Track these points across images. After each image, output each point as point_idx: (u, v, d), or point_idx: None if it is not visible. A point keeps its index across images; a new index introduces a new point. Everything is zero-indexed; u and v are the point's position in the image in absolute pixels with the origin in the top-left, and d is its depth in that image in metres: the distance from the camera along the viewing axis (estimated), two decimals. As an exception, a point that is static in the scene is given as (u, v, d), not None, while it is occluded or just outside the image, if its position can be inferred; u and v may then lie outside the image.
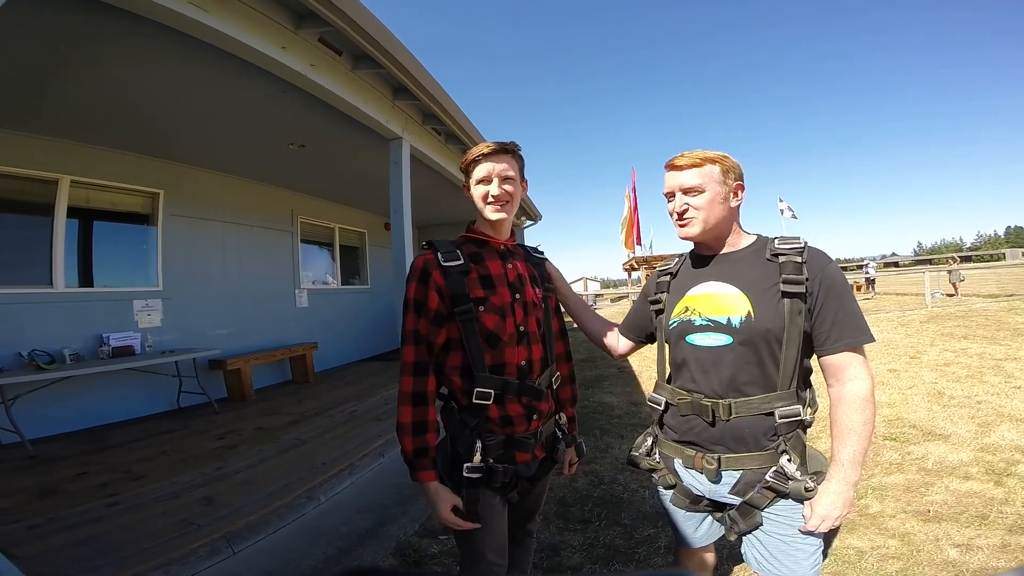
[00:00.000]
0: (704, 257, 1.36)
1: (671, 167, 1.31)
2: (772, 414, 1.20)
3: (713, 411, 1.23)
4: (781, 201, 18.35)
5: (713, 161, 1.26)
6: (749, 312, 1.21)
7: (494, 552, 1.39)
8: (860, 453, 1.15)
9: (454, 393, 1.35)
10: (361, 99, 3.87)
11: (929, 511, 2.45)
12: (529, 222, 10.93)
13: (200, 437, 4.02)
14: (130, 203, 5.18)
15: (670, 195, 1.33)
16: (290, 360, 6.54)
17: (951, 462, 3.00)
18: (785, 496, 1.20)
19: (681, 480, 1.36)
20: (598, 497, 2.86)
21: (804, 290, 1.18)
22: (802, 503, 1.18)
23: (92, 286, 4.82)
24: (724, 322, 1.24)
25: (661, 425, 1.41)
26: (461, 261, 1.31)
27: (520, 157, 1.41)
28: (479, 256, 1.36)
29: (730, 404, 1.22)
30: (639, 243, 19.40)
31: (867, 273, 17.85)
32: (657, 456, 1.43)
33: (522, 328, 1.35)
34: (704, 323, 1.27)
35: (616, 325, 1.65)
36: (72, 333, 4.42)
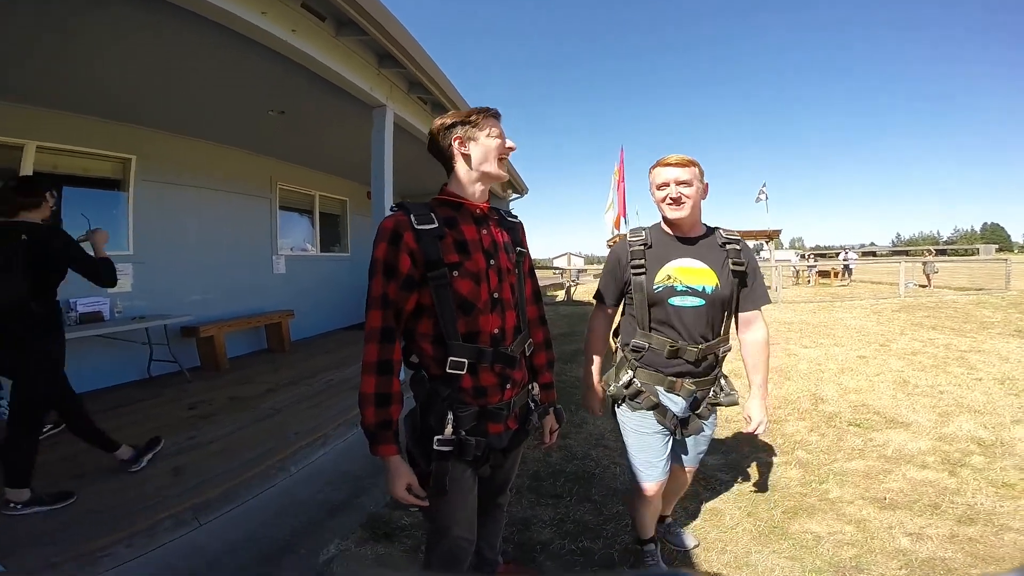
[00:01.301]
0: (679, 238, 1.74)
1: (666, 164, 1.67)
2: (717, 353, 1.75)
3: (697, 355, 1.69)
4: (764, 187, 18.77)
5: (695, 164, 1.67)
6: (716, 283, 1.67)
7: (461, 527, 1.38)
8: (766, 377, 1.82)
9: (425, 362, 1.30)
10: (345, 66, 3.74)
11: (885, 498, 2.51)
12: (515, 195, 10.84)
13: (172, 406, 3.97)
14: (101, 168, 4.98)
15: (664, 185, 1.67)
16: (266, 328, 6.46)
17: (910, 450, 3.08)
18: (718, 406, 1.80)
19: (659, 404, 1.76)
20: (570, 472, 2.89)
21: (744, 270, 1.71)
22: (713, 414, 1.83)
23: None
24: (699, 289, 1.67)
25: (639, 363, 1.79)
26: (435, 224, 1.25)
27: None
28: (454, 220, 1.30)
29: (703, 348, 1.69)
30: (625, 219, 19.46)
31: (845, 261, 18.21)
32: (639, 384, 1.78)
33: (496, 295, 1.32)
34: (684, 289, 1.68)
35: (598, 340, 1.95)
36: (37, 297, 4.28)
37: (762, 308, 1.79)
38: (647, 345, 1.74)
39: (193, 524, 2.13)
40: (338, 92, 4.05)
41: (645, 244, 1.76)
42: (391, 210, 1.28)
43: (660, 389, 1.76)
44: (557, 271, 18.76)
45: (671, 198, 1.65)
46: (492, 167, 1.33)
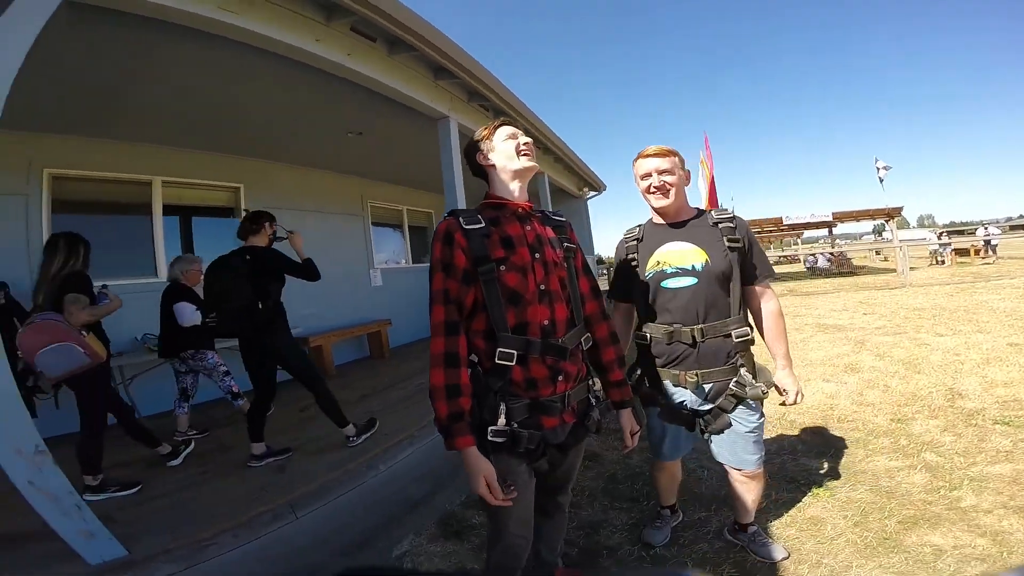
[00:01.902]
0: (666, 225, 1.81)
1: (647, 156, 1.77)
2: (730, 335, 1.70)
3: (693, 335, 1.70)
4: (877, 161, 16.84)
5: (674, 153, 1.77)
6: (706, 260, 1.70)
7: (517, 524, 1.39)
8: (788, 347, 1.81)
9: (479, 356, 1.34)
10: (402, 82, 3.92)
11: None
12: (592, 193, 10.62)
13: (286, 410, 4.37)
14: (216, 198, 5.70)
15: (647, 175, 1.76)
16: (367, 336, 6.95)
17: None
18: (743, 400, 1.71)
19: (668, 398, 1.82)
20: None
21: (741, 245, 1.72)
22: (752, 407, 1.74)
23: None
24: (689, 268, 1.71)
25: (647, 356, 1.85)
26: (482, 224, 1.34)
27: None
28: (498, 219, 1.38)
29: (703, 328, 1.70)
30: (715, 206, 18.49)
31: (986, 236, 15.69)
32: (646, 382, 1.87)
33: (543, 287, 1.34)
34: (674, 271, 1.73)
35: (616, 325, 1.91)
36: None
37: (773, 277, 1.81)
38: (649, 335, 1.81)
39: (289, 518, 2.34)
40: (402, 108, 4.26)
41: (637, 239, 1.87)
42: (443, 217, 1.40)
43: (668, 382, 1.81)
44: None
45: (654, 187, 1.74)
46: (516, 163, 1.42)
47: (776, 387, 1.79)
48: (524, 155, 1.43)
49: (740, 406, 1.73)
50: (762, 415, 1.80)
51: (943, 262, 15.87)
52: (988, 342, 4.99)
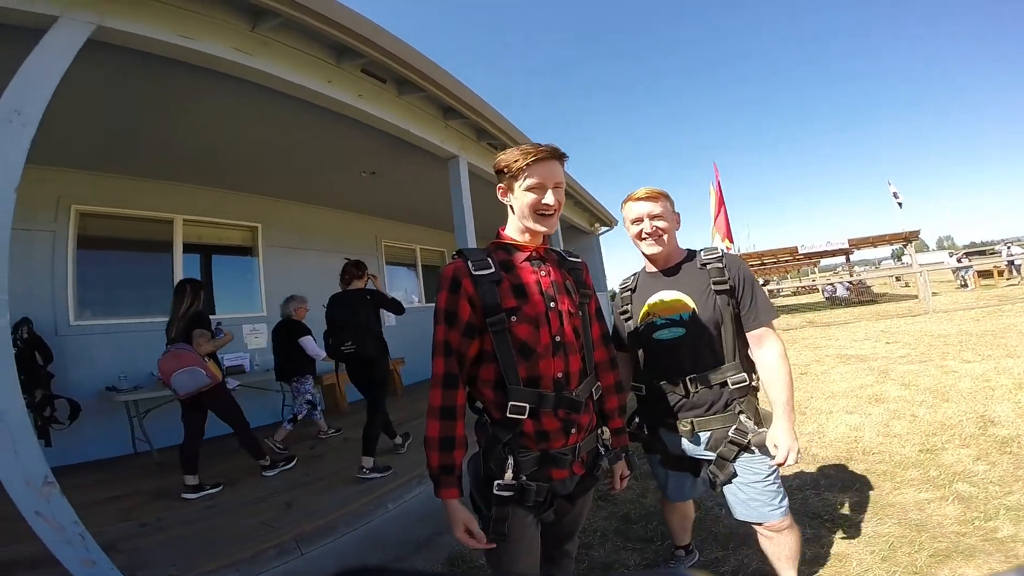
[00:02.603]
0: (658, 273, 1.75)
1: (637, 199, 1.69)
2: (726, 383, 1.61)
3: (685, 386, 1.63)
4: (890, 185, 16.73)
5: (666, 196, 1.70)
6: (693, 309, 1.63)
7: (523, 574, 1.33)
8: (790, 396, 1.56)
9: (487, 407, 1.29)
10: (412, 123, 4.04)
11: None
12: (604, 228, 10.66)
13: (295, 446, 4.38)
14: (234, 237, 5.88)
15: (637, 220, 1.69)
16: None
17: None
18: (746, 448, 1.58)
19: (667, 446, 1.75)
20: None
21: (729, 286, 1.61)
22: (761, 454, 1.59)
23: (214, 312, 5.49)
24: (677, 319, 1.65)
25: (645, 404, 1.79)
26: (492, 270, 1.25)
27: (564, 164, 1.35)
28: (510, 264, 1.29)
29: (694, 378, 1.62)
30: (730, 239, 18.37)
31: (1010, 256, 15.28)
32: (645, 430, 1.81)
33: (558, 338, 1.27)
34: (663, 322, 1.67)
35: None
36: (194, 355, 5.07)
37: (772, 323, 1.64)
38: (643, 386, 1.78)
39: (295, 554, 2.30)
40: (413, 149, 4.37)
41: (631, 289, 1.83)
42: (451, 258, 1.31)
43: (662, 431, 1.75)
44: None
45: (646, 232, 1.67)
46: (530, 223, 1.28)
47: (773, 443, 1.57)
48: (543, 216, 1.28)
49: (745, 453, 1.60)
50: (770, 464, 1.62)
51: (966, 285, 15.40)
52: (1019, 366, 4.80)
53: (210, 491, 3.27)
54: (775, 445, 1.54)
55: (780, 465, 1.53)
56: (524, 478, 1.23)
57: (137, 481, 3.36)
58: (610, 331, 1.60)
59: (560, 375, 1.26)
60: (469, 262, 1.25)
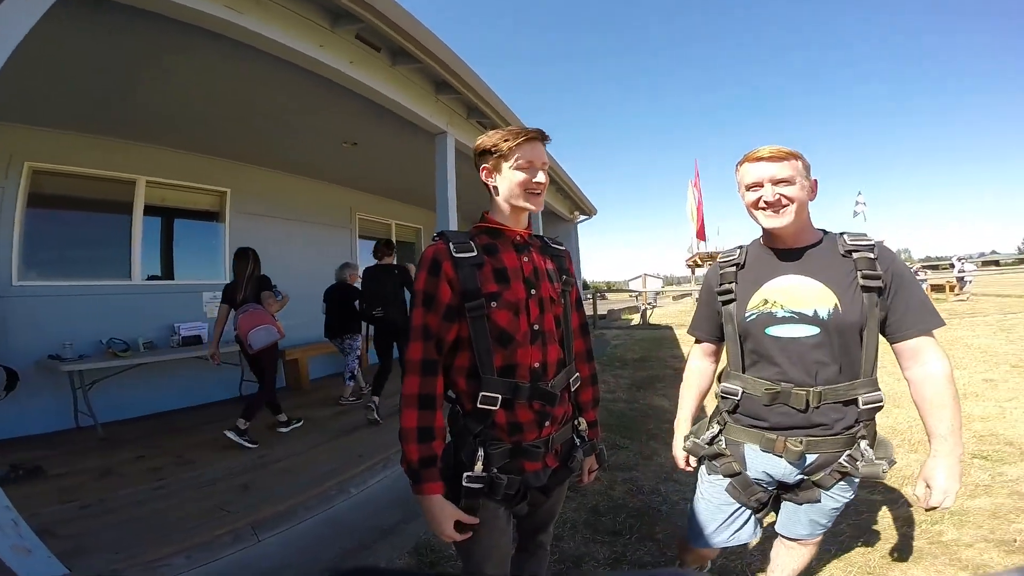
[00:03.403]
0: (778, 250, 1.39)
1: (757, 159, 1.33)
2: (856, 401, 1.29)
3: (807, 399, 1.30)
4: (860, 196, 17.21)
5: (797, 156, 1.32)
6: (836, 305, 1.27)
7: (494, 565, 1.29)
8: (958, 426, 1.23)
9: (459, 396, 1.25)
10: (403, 94, 3.89)
11: (1015, 541, 2.15)
12: (583, 217, 10.69)
13: (253, 424, 4.20)
14: (201, 201, 5.57)
15: (756, 185, 1.33)
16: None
17: None
18: (848, 476, 1.33)
19: (746, 468, 1.44)
20: (634, 508, 2.68)
21: (881, 284, 1.26)
22: (850, 484, 1.37)
23: (172, 279, 5.26)
24: (810, 314, 1.29)
25: (732, 413, 1.46)
26: (474, 253, 1.21)
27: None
28: (493, 248, 1.25)
29: (821, 392, 1.29)
30: (703, 238, 18.66)
31: (961, 272, 15.99)
32: (724, 443, 1.47)
33: (536, 327, 1.23)
34: (788, 315, 1.32)
35: (689, 381, 1.68)
36: (147, 323, 4.82)
37: (933, 332, 1.28)
38: (740, 390, 1.42)
39: (251, 540, 2.20)
40: (401, 121, 4.22)
41: (737, 264, 1.46)
42: (432, 239, 1.26)
43: (755, 448, 1.41)
44: (633, 294, 18.03)
45: (766, 201, 1.31)
46: (519, 201, 1.25)
47: (925, 482, 1.27)
48: (533, 195, 1.25)
49: (843, 482, 1.37)
50: (857, 489, 1.44)
51: None
52: (964, 378, 5.10)
53: (296, 425, 4.04)
54: (927, 485, 1.24)
55: (930, 509, 1.25)
56: (495, 471, 1.19)
57: (79, 459, 3.14)
58: (587, 323, 1.50)
59: (537, 365, 1.23)
60: (451, 244, 1.20)
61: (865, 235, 1.33)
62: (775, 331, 1.33)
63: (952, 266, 17.28)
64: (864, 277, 1.26)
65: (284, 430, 4.00)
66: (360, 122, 4.59)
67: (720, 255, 1.55)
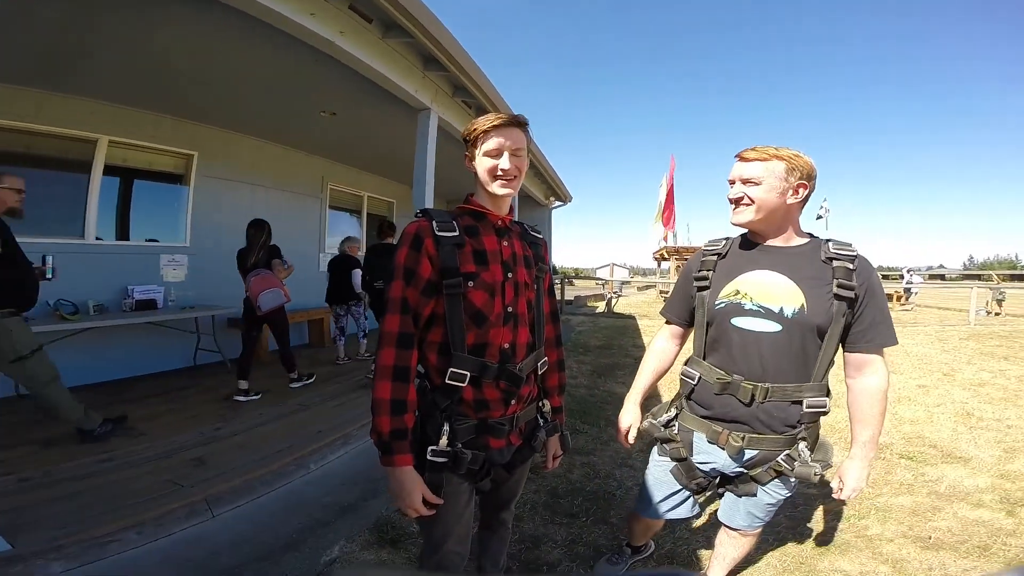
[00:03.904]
0: (758, 245, 1.43)
1: (740, 158, 1.40)
2: (800, 402, 1.35)
3: (752, 393, 1.36)
4: (825, 201, 17.82)
5: (781, 158, 1.33)
6: (803, 305, 1.32)
7: (454, 541, 1.34)
8: (877, 436, 1.38)
9: (429, 371, 1.28)
10: (391, 68, 3.79)
11: (930, 537, 2.33)
12: (558, 202, 10.72)
13: (208, 396, 4.11)
14: (165, 163, 5.31)
15: (732, 182, 1.41)
16: (308, 323, 6.65)
17: (965, 487, 2.84)
18: (783, 475, 1.41)
19: (692, 455, 1.52)
20: (590, 491, 2.78)
21: (854, 295, 1.30)
22: (785, 484, 1.44)
23: (128, 239, 5.00)
24: (776, 310, 1.34)
25: (688, 399, 1.54)
26: (456, 233, 1.23)
27: (528, 131, 1.31)
28: (475, 229, 1.28)
29: (768, 388, 1.35)
30: (672, 229, 18.95)
31: (908, 284, 16.81)
32: (676, 429, 1.55)
33: (510, 309, 1.28)
34: (755, 308, 1.37)
35: (649, 356, 1.74)
36: (99, 284, 4.59)
37: (884, 351, 1.36)
38: (698, 375, 1.49)
39: (206, 515, 2.17)
40: (385, 95, 4.11)
41: (719, 254, 1.51)
42: (415, 216, 1.27)
43: (702, 437, 1.48)
44: (600, 282, 18.22)
45: (731, 199, 1.41)
46: (490, 187, 1.27)
47: (840, 478, 1.43)
48: (499, 180, 1.27)
49: (779, 479, 1.44)
50: (795, 487, 1.51)
51: None
52: (900, 383, 5.40)
53: (254, 397, 4.04)
54: (841, 480, 1.40)
55: (840, 500, 1.43)
56: (459, 446, 1.23)
57: (23, 429, 2.99)
58: (558, 310, 1.54)
59: (507, 346, 1.27)
60: (434, 222, 1.22)
61: (849, 245, 1.37)
62: (740, 322, 1.38)
63: (902, 277, 18.06)
64: (839, 286, 1.30)
65: (295, 385, 4.49)
66: (342, 93, 4.44)
67: (706, 243, 1.60)
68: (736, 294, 1.41)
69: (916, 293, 16.71)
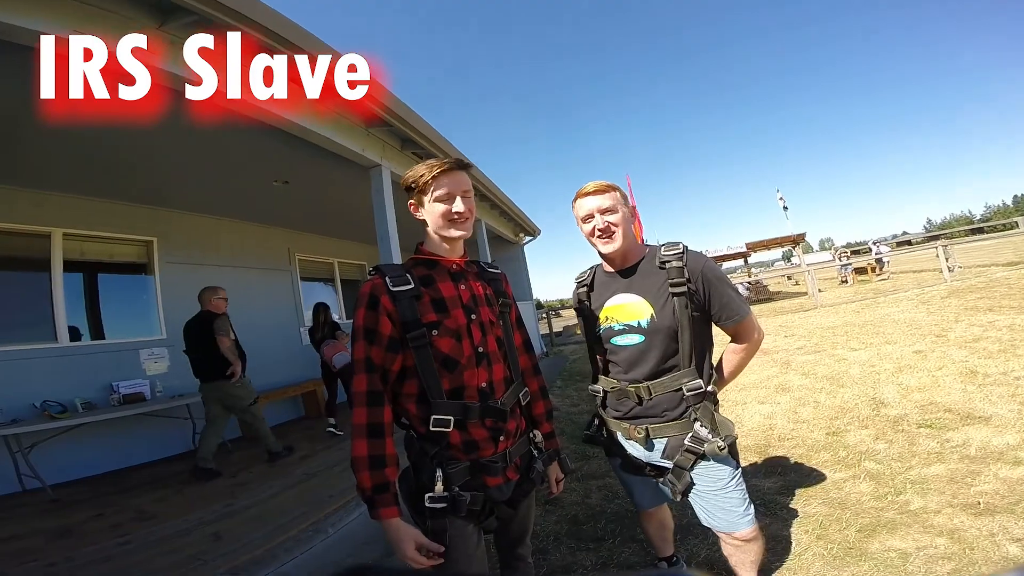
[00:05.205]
0: (615, 273, 1.65)
1: (586, 194, 1.58)
2: (680, 389, 1.54)
3: (638, 394, 1.57)
4: (779, 192, 18.71)
5: (615, 188, 1.58)
6: (652, 315, 1.54)
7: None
8: (724, 383, 1.74)
9: (411, 421, 1.28)
10: (333, 130, 3.83)
11: (979, 503, 2.21)
12: (528, 237, 10.87)
13: (215, 484, 3.99)
14: (125, 253, 5.25)
15: (588, 217, 1.58)
16: (302, 396, 6.54)
17: (996, 446, 2.73)
18: (702, 456, 1.52)
19: (625, 450, 1.69)
20: (612, 512, 2.69)
21: (688, 288, 1.50)
22: (719, 461, 1.52)
23: (103, 338, 4.88)
24: (636, 325, 1.57)
25: (604, 407, 1.74)
26: (411, 285, 1.26)
27: (472, 172, 1.37)
28: (430, 279, 1.31)
29: (648, 387, 1.56)
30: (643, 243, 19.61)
31: (878, 254, 17.38)
32: (604, 432, 1.76)
33: (480, 349, 1.30)
34: (622, 328, 1.60)
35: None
36: (82, 384, 4.46)
37: (747, 316, 1.59)
38: (601, 389, 1.72)
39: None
40: (333, 157, 4.14)
41: (587, 285, 1.74)
42: (368, 274, 1.30)
43: (619, 435, 1.70)
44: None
45: (599, 230, 1.56)
46: (445, 231, 1.31)
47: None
48: (456, 223, 1.31)
49: (702, 462, 1.54)
50: (736, 466, 1.58)
51: (846, 281, 16.97)
52: (897, 352, 5.40)
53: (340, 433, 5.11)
54: None
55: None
56: (457, 489, 1.22)
57: (32, 521, 2.93)
58: (530, 340, 1.58)
59: (484, 385, 1.29)
60: (387, 278, 1.25)
61: (677, 244, 1.57)
62: (616, 340, 1.62)
63: (870, 250, 18.61)
64: (672, 285, 1.50)
65: (332, 431, 5.26)
66: (289, 160, 4.47)
67: (576, 278, 1.83)
68: (607, 320, 1.64)
69: (888, 262, 17.13)
